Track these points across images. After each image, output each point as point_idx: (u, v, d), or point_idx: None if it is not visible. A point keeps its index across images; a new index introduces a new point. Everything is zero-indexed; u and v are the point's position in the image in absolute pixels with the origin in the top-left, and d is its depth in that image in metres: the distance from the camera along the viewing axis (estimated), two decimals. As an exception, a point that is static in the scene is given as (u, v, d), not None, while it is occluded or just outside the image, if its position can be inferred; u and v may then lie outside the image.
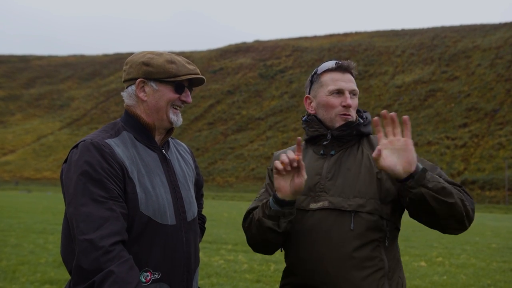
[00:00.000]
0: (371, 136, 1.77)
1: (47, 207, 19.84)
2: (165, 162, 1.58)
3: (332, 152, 1.72)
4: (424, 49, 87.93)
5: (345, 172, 1.66)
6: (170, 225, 1.49)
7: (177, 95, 1.55)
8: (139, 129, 1.55)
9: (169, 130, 1.62)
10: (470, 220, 1.59)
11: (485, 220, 21.93)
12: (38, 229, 11.25)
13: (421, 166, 1.53)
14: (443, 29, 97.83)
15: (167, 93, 1.54)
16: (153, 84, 1.53)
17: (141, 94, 1.54)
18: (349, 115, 1.70)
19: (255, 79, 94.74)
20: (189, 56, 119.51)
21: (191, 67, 1.57)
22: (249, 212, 1.77)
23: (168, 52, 1.60)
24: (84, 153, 1.41)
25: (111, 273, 1.27)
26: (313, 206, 1.63)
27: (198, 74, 1.57)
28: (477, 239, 12.47)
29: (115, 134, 1.52)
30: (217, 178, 62.89)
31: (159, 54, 1.56)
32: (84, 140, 1.45)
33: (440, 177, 1.58)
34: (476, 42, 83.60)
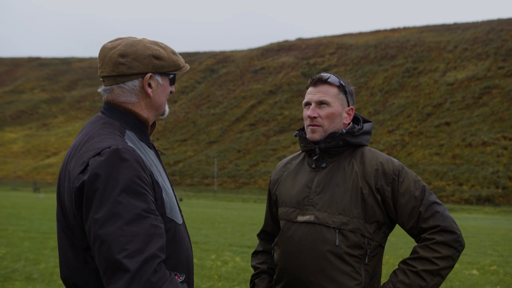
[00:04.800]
0: (367, 148, 1.80)
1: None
2: (159, 159, 1.51)
3: (323, 165, 1.79)
4: (479, 43, 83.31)
5: (334, 188, 1.73)
6: (180, 225, 1.45)
7: (171, 88, 1.51)
8: (138, 127, 1.45)
9: (153, 125, 1.55)
10: (460, 248, 1.69)
11: (545, 226, 20.95)
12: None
13: None
14: (500, 21, 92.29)
15: (167, 86, 1.49)
16: (159, 78, 1.46)
17: (149, 90, 1.44)
18: (315, 125, 1.77)
19: (297, 79, 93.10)
20: (230, 55, 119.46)
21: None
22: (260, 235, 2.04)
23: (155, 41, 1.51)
24: (119, 163, 1.26)
25: None
26: (300, 218, 1.74)
27: None
28: (536, 246, 11.91)
29: (122, 135, 1.38)
30: (259, 181, 61.98)
31: (158, 44, 1.47)
32: (109, 147, 1.28)
33: (422, 200, 1.68)
34: (536, 34, 78.12)
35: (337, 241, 1.67)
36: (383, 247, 1.76)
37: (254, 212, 23.83)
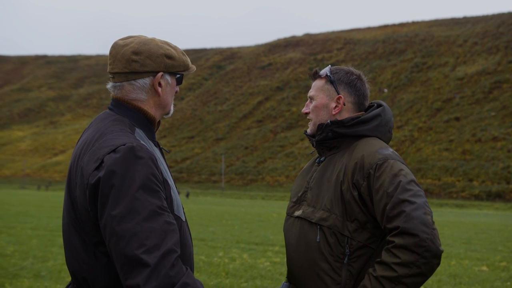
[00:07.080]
0: (365, 139, 1.69)
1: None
2: (164, 158, 1.54)
3: (322, 159, 1.77)
4: (489, 37, 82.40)
5: (323, 183, 1.70)
6: (184, 222, 1.47)
7: (176, 87, 1.55)
8: (146, 124, 1.48)
9: (158, 124, 1.57)
10: (426, 253, 1.45)
11: (556, 222, 20.60)
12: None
13: None
14: (511, 15, 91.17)
15: (175, 86, 1.53)
16: (168, 78, 1.49)
17: (159, 89, 1.47)
18: (308, 120, 1.82)
19: (305, 74, 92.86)
20: (237, 51, 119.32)
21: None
22: None
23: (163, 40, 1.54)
24: (134, 160, 1.29)
25: (186, 285, 1.26)
26: (295, 213, 1.75)
27: None
28: (548, 241, 11.69)
29: (132, 132, 1.40)
30: (267, 178, 61.99)
31: (169, 44, 1.52)
32: (124, 144, 1.31)
33: (392, 197, 1.50)
34: (548, 28, 77.08)
35: (318, 237, 1.64)
36: (374, 249, 1.60)
37: (262, 209, 23.78)
